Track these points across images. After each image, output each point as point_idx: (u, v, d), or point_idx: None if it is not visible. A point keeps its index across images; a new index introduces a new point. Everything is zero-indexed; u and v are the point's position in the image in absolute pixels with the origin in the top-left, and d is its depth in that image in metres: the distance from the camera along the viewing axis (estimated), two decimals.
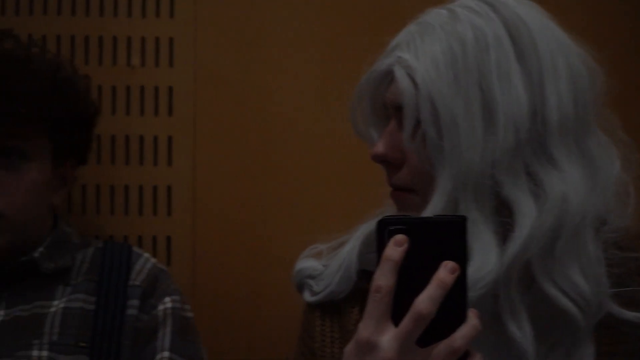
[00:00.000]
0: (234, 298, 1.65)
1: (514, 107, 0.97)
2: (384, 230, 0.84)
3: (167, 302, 1.40)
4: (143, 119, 1.66)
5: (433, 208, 0.97)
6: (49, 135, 1.41)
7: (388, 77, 1.04)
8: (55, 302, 1.37)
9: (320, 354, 1.13)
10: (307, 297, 1.15)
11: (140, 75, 1.66)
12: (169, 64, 1.67)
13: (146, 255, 1.47)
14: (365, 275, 1.11)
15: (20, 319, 1.34)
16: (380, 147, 1.04)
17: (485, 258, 0.95)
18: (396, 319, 0.83)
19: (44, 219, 1.46)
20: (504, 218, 0.97)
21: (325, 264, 1.15)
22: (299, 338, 1.19)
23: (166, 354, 1.36)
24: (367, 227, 1.12)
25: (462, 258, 0.84)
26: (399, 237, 0.83)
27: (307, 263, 1.17)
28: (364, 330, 0.83)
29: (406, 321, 0.82)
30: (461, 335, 0.82)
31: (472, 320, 0.83)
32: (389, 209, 1.11)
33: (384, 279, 0.83)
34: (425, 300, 0.81)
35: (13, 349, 1.31)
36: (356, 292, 1.11)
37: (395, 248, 0.83)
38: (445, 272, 0.82)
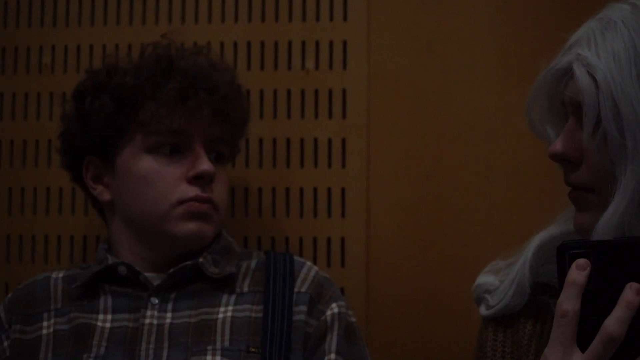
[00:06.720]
0: (409, 300, 1.64)
1: None
2: (565, 255, 0.85)
3: (334, 308, 1.42)
4: (317, 122, 1.68)
5: (616, 207, 0.95)
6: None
7: (567, 74, 1.02)
8: (222, 309, 1.40)
9: None
10: (483, 311, 1.17)
11: (315, 79, 1.68)
12: (343, 67, 1.68)
13: (309, 263, 1.49)
14: (538, 287, 1.11)
15: (189, 324, 1.38)
16: (558, 146, 1.03)
17: None
18: (580, 344, 0.82)
19: None
20: None
21: (501, 279, 1.16)
22: (473, 353, 1.19)
23: (333, 356, 1.38)
24: (538, 239, 1.12)
25: None
26: (581, 261, 0.85)
27: (485, 278, 1.18)
28: (551, 355, 0.83)
29: (596, 344, 0.81)
30: None
31: None
32: (566, 216, 1.10)
33: (569, 303, 0.83)
34: (615, 323, 0.81)
35: (188, 353, 1.35)
36: (531, 305, 1.12)
37: (579, 272, 0.84)
38: (631, 294, 0.82)
